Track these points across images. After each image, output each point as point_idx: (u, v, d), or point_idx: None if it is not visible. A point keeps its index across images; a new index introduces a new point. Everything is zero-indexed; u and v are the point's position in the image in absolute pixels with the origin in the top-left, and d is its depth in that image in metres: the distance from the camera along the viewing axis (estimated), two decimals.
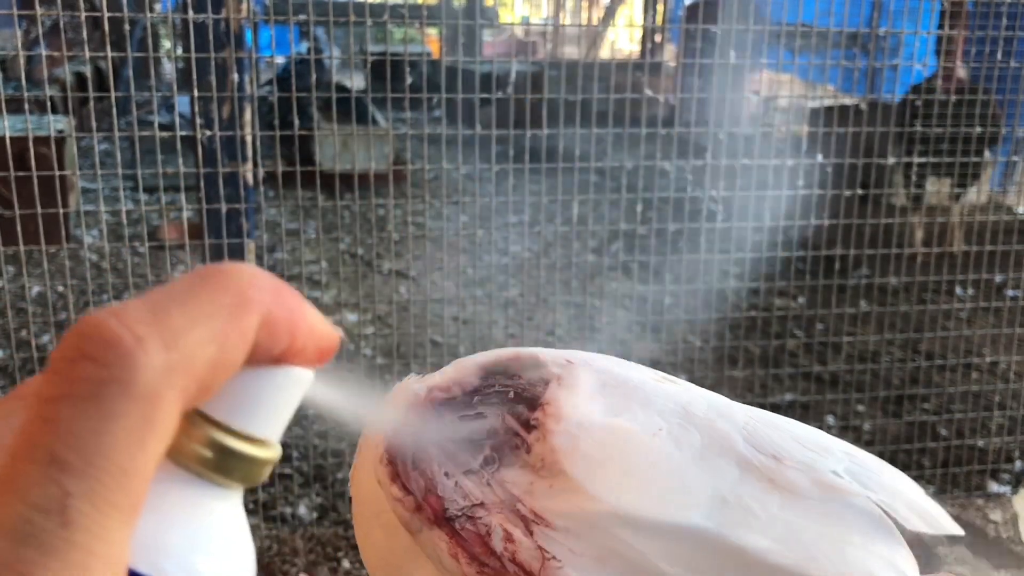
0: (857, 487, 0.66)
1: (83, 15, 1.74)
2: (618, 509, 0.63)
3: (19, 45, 2.30)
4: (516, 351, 0.78)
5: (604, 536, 0.64)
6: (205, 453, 0.26)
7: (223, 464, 0.26)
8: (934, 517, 0.67)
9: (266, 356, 0.27)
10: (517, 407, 0.72)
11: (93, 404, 0.23)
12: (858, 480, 0.68)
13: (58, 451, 0.22)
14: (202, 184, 1.88)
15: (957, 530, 0.67)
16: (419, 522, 0.68)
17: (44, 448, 0.22)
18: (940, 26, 2.81)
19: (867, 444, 2.65)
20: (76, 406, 0.23)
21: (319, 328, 0.28)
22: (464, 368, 0.77)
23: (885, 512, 0.68)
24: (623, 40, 9.66)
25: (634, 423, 0.69)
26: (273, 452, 0.28)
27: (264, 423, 0.27)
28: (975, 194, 2.86)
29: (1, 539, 0.21)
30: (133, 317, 0.24)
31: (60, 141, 3.48)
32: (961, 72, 2.57)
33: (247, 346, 0.26)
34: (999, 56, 2.25)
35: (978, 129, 2.23)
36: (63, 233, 1.98)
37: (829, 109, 3.00)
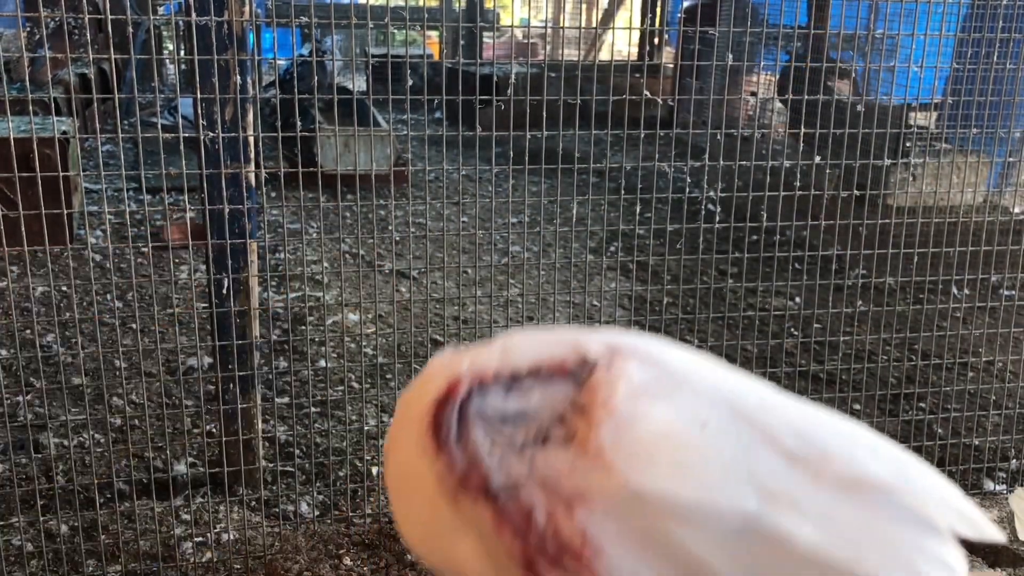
0: (904, 486, 0.65)
1: (87, 17, 1.76)
2: (663, 498, 0.62)
3: (23, 47, 2.32)
4: (563, 335, 0.75)
5: (647, 522, 0.62)
6: None
7: None
8: (978, 524, 0.66)
9: None
10: (564, 388, 0.70)
11: None
12: (905, 482, 0.67)
13: None
14: (205, 185, 1.90)
15: (999, 536, 0.66)
16: (463, 495, 0.67)
17: None
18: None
19: None
20: None
21: None
22: (511, 345, 0.76)
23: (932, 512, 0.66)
24: (622, 42, 9.67)
25: (681, 413, 0.68)
26: None
27: None
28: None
29: None
30: None
31: (64, 142, 3.49)
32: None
33: None
34: (995, 57, 2.27)
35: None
36: (67, 234, 2.00)
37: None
